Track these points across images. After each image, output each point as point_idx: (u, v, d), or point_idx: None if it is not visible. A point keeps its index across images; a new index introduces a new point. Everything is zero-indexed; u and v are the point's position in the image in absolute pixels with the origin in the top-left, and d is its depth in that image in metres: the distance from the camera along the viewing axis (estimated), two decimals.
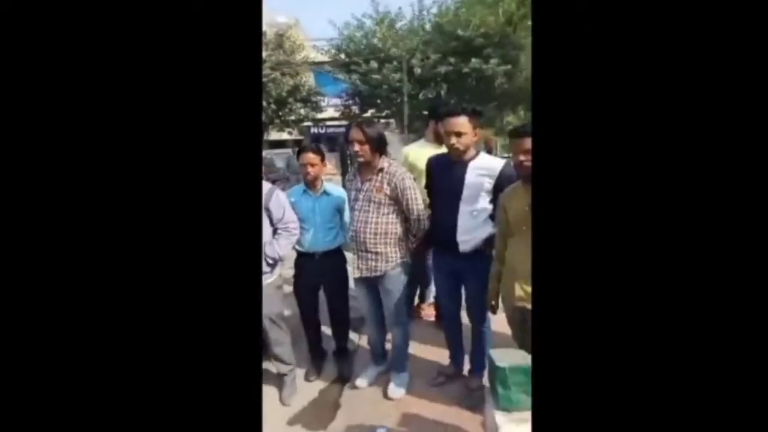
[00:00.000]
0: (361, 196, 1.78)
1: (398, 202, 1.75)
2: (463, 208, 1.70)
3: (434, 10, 11.49)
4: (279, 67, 11.16)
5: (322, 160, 2.00)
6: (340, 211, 2.06)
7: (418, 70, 10.57)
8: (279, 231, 1.81)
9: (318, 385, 2.07)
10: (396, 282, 1.82)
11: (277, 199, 1.79)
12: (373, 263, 1.79)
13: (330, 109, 13.21)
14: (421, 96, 10.81)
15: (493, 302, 1.67)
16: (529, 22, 8.60)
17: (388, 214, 1.75)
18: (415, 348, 2.17)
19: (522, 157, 1.42)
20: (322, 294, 2.13)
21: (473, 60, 10.09)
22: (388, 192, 1.74)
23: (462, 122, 1.65)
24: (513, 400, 1.21)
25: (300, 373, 2.09)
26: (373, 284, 1.87)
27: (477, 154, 1.73)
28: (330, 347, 2.27)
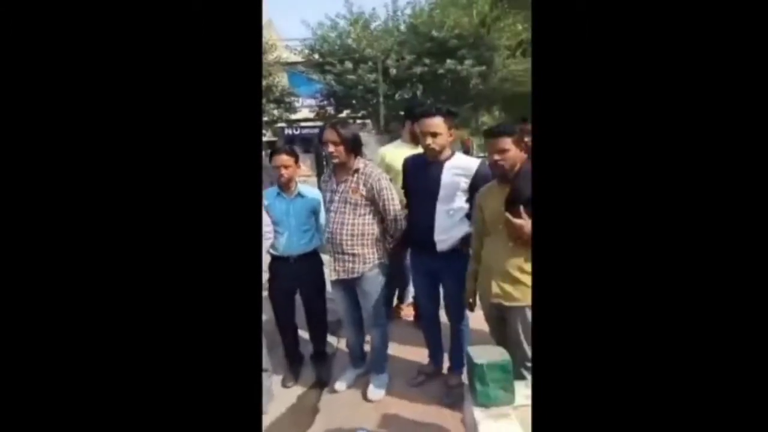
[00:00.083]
0: (336, 198, 1.76)
1: (375, 203, 1.74)
2: (440, 208, 1.71)
3: (408, 11, 11.56)
4: None
5: (296, 161, 1.96)
6: (315, 213, 2.02)
7: (393, 71, 10.60)
8: None
9: (296, 391, 2.03)
10: (374, 283, 1.81)
11: None
12: (351, 265, 1.77)
13: (304, 109, 13.05)
14: (397, 96, 10.85)
15: (471, 300, 1.69)
16: (502, 24, 8.80)
17: (364, 215, 1.74)
18: (394, 348, 2.17)
19: (497, 157, 1.45)
20: (298, 298, 2.09)
21: (448, 61, 10.21)
22: (364, 193, 1.72)
23: (437, 123, 1.65)
24: (491, 396, 1.22)
25: (277, 379, 2.05)
26: (350, 286, 1.85)
27: (453, 154, 1.74)
28: (307, 351, 2.23)
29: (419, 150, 1.83)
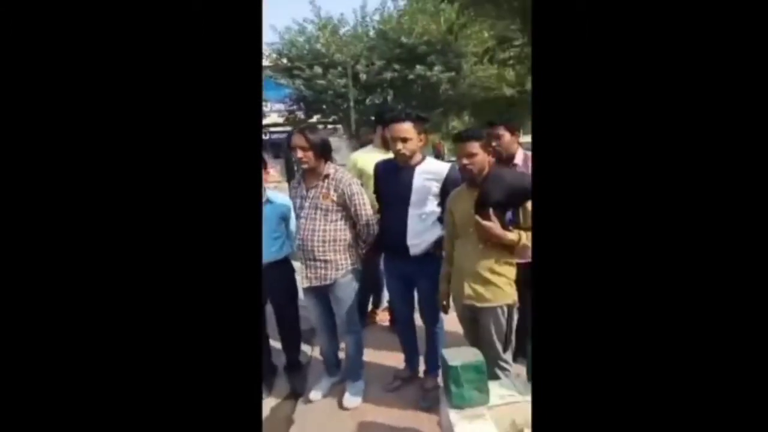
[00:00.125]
0: (307, 204, 1.73)
1: (346, 209, 1.73)
2: (412, 212, 1.72)
3: (377, 17, 11.67)
4: None
5: (265, 167, 1.92)
6: (285, 219, 1.98)
7: (363, 76, 10.65)
8: None
9: (270, 403, 1.97)
10: (347, 289, 1.79)
11: None
12: (323, 271, 1.74)
13: (273, 114, 12.85)
14: (367, 101, 10.89)
15: (445, 302, 1.70)
16: (469, 31, 9.04)
17: (336, 220, 1.72)
18: (370, 354, 2.15)
19: (465, 161, 1.47)
20: (269, 307, 2.03)
21: (417, 67, 10.37)
22: (335, 198, 1.70)
23: (407, 128, 1.67)
24: (466, 398, 1.23)
25: None
26: (323, 293, 1.82)
27: (423, 158, 1.76)
28: (280, 362, 2.17)
29: (391, 155, 1.83)
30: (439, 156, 9.89)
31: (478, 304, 1.51)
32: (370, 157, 2.19)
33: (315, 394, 1.94)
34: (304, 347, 2.35)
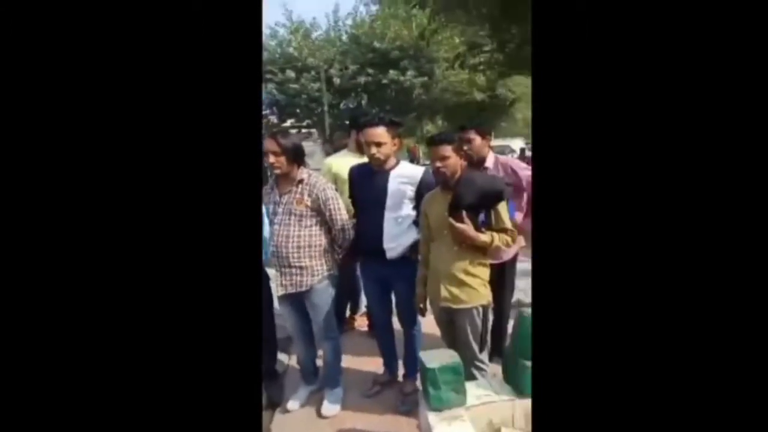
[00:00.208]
0: (280, 210, 1.71)
1: (321, 214, 1.71)
2: (388, 216, 1.72)
3: (349, 22, 11.70)
4: None
5: None
6: None
7: (337, 81, 10.63)
8: None
9: None
10: (323, 296, 1.76)
11: None
12: (298, 278, 1.72)
13: None
14: (341, 106, 10.87)
15: (422, 305, 1.71)
16: (440, 37, 9.21)
17: (310, 226, 1.70)
18: (349, 360, 2.13)
19: (439, 164, 1.49)
20: None
21: (391, 71, 10.46)
22: (309, 203, 1.68)
23: (380, 132, 1.67)
24: (444, 399, 1.24)
25: None
26: (299, 300, 1.79)
27: (398, 162, 1.77)
28: None
29: (365, 159, 1.83)
30: (414, 160, 9.98)
31: (454, 306, 1.52)
32: (344, 162, 2.18)
33: (293, 404, 1.90)
34: (281, 356, 2.30)
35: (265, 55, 10.81)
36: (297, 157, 1.69)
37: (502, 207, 1.51)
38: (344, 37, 11.74)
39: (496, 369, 1.61)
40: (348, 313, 2.63)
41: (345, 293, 2.34)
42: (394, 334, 1.99)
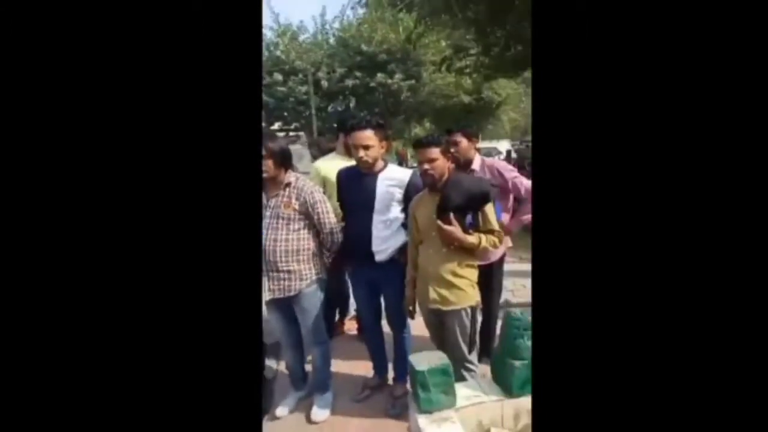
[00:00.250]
0: (268, 213, 1.69)
1: (309, 217, 1.70)
2: (377, 219, 1.72)
3: (336, 25, 11.70)
4: None
5: None
6: None
7: (324, 83, 10.60)
8: None
9: None
10: (312, 300, 1.75)
11: None
12: (287, 283, 1.70)
13: None
14: (330, 109, 10.85)
15: (411, 308, 1.72)
16: (427, 40, 9.27)
17: (298, 230, 1.69)
18: (338, 365, 2.11)
19: (426, 166, 1.50)
20: None
21: (378, 75, 10.48)
22: (297, 207, 1.67)
23: (368, 135, 1.67)
24: (434, 401, 1.24)
25: None
26: (287, 305, 1.77)
27: (386, 165, 1.77)
28: None
29: (354, 162, 1.83)
30: (403, 163, 10.01)
31: (443, 308, 1.53)
32: (333, 165, 2.17)
33: (282, 410, 1.88)
34: (269, 362, 2.27)
35: None
36: (284, 160, 1.68)
37: (489, 209, 1.52)
38: (331, 40, 11.73)
39: (485, 369, 1.62)
40: (337, 317, 2.62)
41: (334, 297, 2.33)
42: (383, 338, 1.99)
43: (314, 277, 1.74)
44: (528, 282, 3.41)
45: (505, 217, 1.98)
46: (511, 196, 2.01)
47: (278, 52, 10.81)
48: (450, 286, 1.51)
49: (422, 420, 1.21)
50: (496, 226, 1.53)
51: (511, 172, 2.01)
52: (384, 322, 1.95)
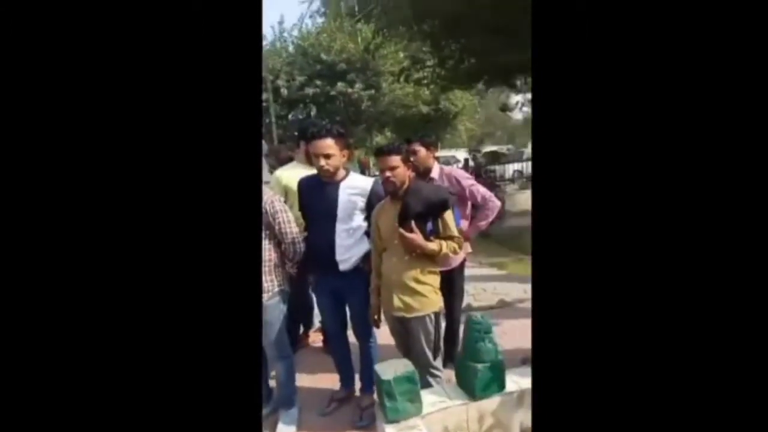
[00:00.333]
0: None
1: (269, 227, 1.66)
2: (340, 228, 1.71)
3: (295, 33, 11.62)
4: None
5: None
6: None
7: (284, 91, 10.47)
8: None
9: None
10: (274, 312, 1.70)
11: None
12: None
13: None
14: (290, 117, 10.70)
15: (376, 316, 1.71)
16: (385, 51, 9.43)
17: None
18: (304, 379, 2.06)
19: (388, 173, 1.52)
20: None
21: (339, 84, 10.51)
22: None
23: (329, 144, 1.67)
24: (400, 410, 1.24)
25: None
26: None
27: (347, 173, 1.77)
28: None
29: (315, 171, 1.81)
30: (365, 171, 10.05)
31: (408, 315, 1.54)
32: (295, 174, 2.13)
33: None
34: None
35: None
36: None
37: (449, 216, 1.56)
38: (290, 48, 11.62)
39: (450, 374, 1.65)
40: (301, 329, 2.56)
41: (297, 309, 2.28)
42: (349, 348, 1.96)
43: (276, 289, 1.69)
44: (487, 285, 3.53)
45: (464, 224, 2.04)
46: (469, 204, 2.08)
47: None
48: (413, 292, 1.53)
49: (390, 430, 1.21)
50: (455, 233, 1.58)
51: (468, 180, 2.08)
52: (350, 332, 1.93)
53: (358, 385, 1.97)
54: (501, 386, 1.35)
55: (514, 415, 1.34)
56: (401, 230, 1.49)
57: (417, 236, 1.48)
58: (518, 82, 6.80)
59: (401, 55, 9.68)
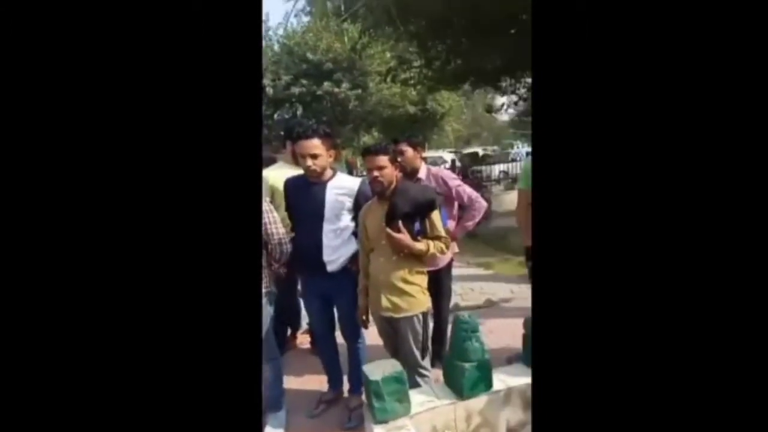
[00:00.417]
0: None
1: None
2: (327, 228, 1.70)
3: (281, 32, 11.52)
4: None
5: None
6: None
7: (270, 91, 10.35)
8: None
9: None
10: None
11: None
12: None
13: None
14: (276, 116, 10.59)
15: (364, 317, 1.71)
16: (372, 51, 9.43)
17: None
18: (291, 381, 2.04)
19: (376, 173, 1.52)
20: None
21: (325, 83, 10.45)
22: None
23: (315, 144, 1.65)
24: (388, 411, 1.24)
25: None
26: None
27: (334, 173, 1.76)
28: None
29: (302, 171, 1.79)
30: (353, 171, 10.02)
31: (396, 315, 1.54)
32: (281, 174, 2.11)
33: None
34: None
35: None
36: None
37: (436, 216, 1.57)
38: (276, 47, 11.51)
39: (438, 374, 1.65)
40: (289, 331, 2.53)
41: (285, 310, 2.25)
42: (337, 350, 1.95)
43: (263, 290, 1.67)
44: (474, 285, 3.56)
45: (451, 224, 2.06)
46: (456, 204, 2.10)
47: None
48: (401, 293, 1.53)
49: (378, 430, 1.20)
50: (442, 233, 1.58)
51: (454, 181, 2.10)
52: (338, 333, 1.92)
53: (346, 386, 1.96)
54: (488, 385, 1.36)
55: (500, 414, 1.36)
56: (389, 230, 1.49)
57: (404, 236, 1.48)
58: (504, 84, 6.88)
59: (388, 55, 9.68)
